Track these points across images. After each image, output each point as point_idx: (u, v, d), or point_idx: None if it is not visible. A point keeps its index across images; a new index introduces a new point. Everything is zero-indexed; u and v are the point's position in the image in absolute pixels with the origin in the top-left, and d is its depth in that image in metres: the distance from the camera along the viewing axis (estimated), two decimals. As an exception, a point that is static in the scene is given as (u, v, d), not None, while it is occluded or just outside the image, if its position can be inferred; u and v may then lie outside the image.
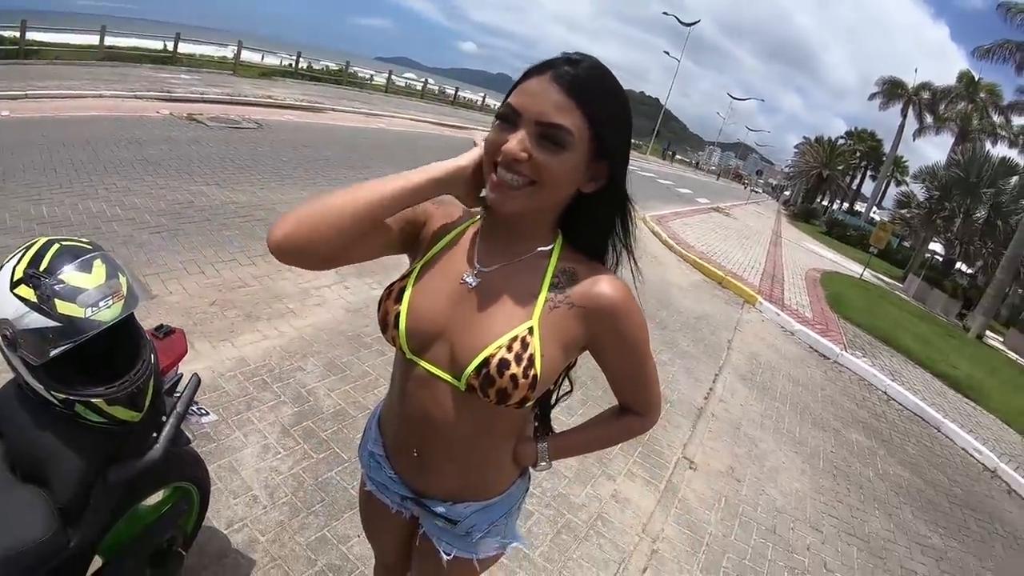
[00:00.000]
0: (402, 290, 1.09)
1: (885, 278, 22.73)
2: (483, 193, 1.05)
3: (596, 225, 1.10)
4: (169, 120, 9.99)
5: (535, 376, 0.99)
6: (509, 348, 0.99)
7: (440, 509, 1.21)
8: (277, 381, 3.46)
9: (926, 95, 37.79)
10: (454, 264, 1.11)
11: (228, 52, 20.59)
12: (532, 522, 2.93)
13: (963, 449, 6.15)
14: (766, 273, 11.55)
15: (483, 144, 1.02)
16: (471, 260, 1.10)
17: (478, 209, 1.14)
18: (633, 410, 1.25)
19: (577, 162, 0.97)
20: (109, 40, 16.23)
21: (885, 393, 7.00)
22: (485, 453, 1.18)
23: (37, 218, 4.86)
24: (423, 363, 1.07)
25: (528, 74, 0.97)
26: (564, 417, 3.01)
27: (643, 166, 31.61)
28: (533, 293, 1.05)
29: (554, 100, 0.92)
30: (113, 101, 10.48)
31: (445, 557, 1.26)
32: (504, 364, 0.98)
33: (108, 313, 1.25)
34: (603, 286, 1.04)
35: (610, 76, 0.98)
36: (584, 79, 0.94)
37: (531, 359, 0.99)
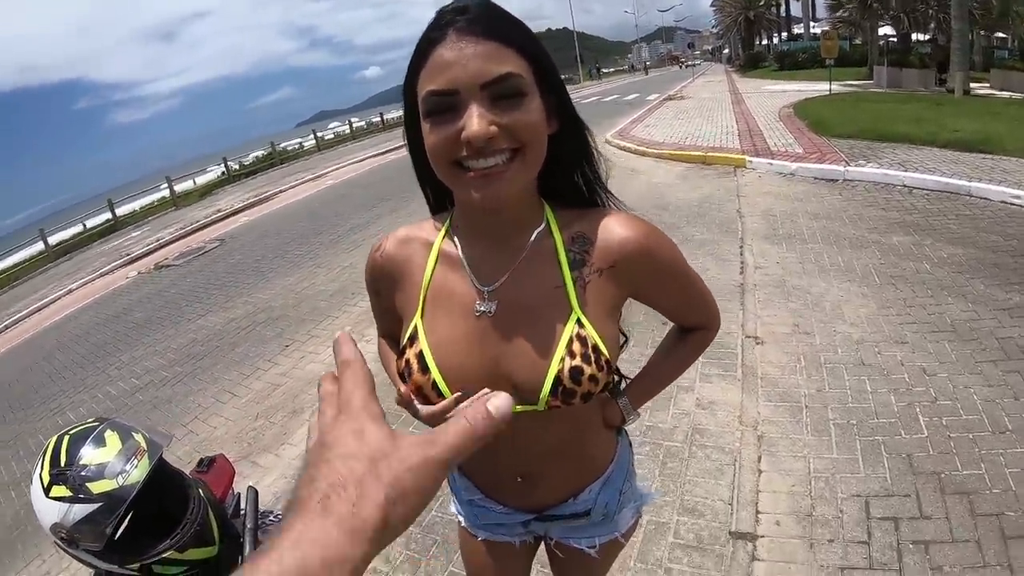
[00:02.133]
0: (420, 356, 0.95)
1: (854, 82, 22.30)
2: (460, 210, 0.97)
3: (572, 167, 0.99)
4: (140, 279, 10.07)
5: (607, 361, 0.92)
6: (571, 353, 0.90)
7: (567, 510, 1.14)
8: (346, 458, 3.46)
9: None
10: (456, 298, 0.97)
11: (163, 192, 20.65)
12: (635, 461, 2.91)
13: (1001, 202, 5.99)
14: (742, 132, 11.36)
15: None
16: (471, 285, 0.96)
17: (441, 224, 1.02)
18: (694, 327, 1.18)
19: (538, 104, 0.84)
20: (52, 239, 16.40)
21: (904, 185, 6.86)
22: (583, 441, 1.10)
23: (65, 425, 4.89)
24: None
25: (425, 50, 0.82)
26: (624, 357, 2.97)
27: (584, 95, 31.26)
28: (557, 283, 0.94)
29: (481, 52, 0.78)
30: (83, 289, 10.60)
31: (592, 551, 1.21)
32: (577, 371, 0.89)
33: (138, 472, 1.27)
34: (618, 231, 0.94)
35: (498, 5, 0.85)
36: (489, 17, 0.81)
37: (596, 349, 0.90)
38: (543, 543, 1.30)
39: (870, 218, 5.98)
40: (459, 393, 0.92)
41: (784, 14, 54.87)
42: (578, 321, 0.91)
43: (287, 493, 3.19)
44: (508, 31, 0.82)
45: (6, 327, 9.60)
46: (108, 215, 18.46)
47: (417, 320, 0.98)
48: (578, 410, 0.96)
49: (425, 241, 1.03)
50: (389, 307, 1.08)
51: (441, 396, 0.94)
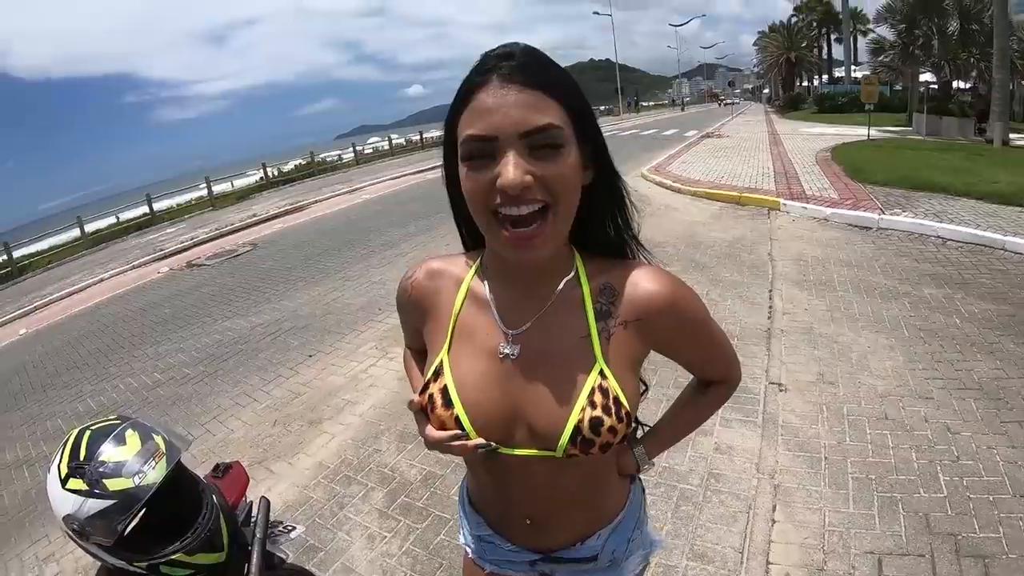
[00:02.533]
0: (444, 390, 0.97)
1: (892, 128, 22.08)
2: (492, 253, 0.98)
3: (604, 217, 0.99)
4: (171, 275, 10.26)
5: (627, 414, 0.92)
6: (592, 404, 0.90)
7: (575, 554, 1.14)
8: (359, 472, 3.48)
9: (853, -65, 36.90)
10: (481, 338, 0.98)
11: (201, 191, 21.08)
12: (648, 505, 2.88)
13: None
14: (778, 174, 11.30)
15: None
16: (497, 326, 0.98)
17: (473, 262, 1.04)
18: (715, 380, 1.19)
19: (575, 156, 0.84)
20: (89, 227, 16.77)
21: (939, 237, 6.76)
22: (595, 488, 1.10)
23: (86, 413, 5.01)
24: (506, 451, 0.96)
25: (467, 94, 0.83)
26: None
27: (623, 127, 31.37)
28: (583, 333, 0.94)
29: (523, 101, 0.79)
30: (115, 280, 10.81)
31: None
32: (597, 422, 0.90)
33: (155, 474, 1.28)
34: (646, 286, 0.95)
35: (544, 54, 0.86)
36: (531, 65, 0.82)
37: (617, 401, 0.91)
38: None
39: (902, 268, 5.90)
40: (479, 440, 0.94)
41: (826, 57, 54.81)
42: (601, 372, 0.92)
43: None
44: (551, 81, 0.83)
45: (36, 308, 9.83)
46: (145, 209, 18.87)
47: (444, 355, 0.99)
48: (593, 459, 0.96)
49: (456, 277, 1.04)
50: (416, 330, 1.11)
51: (463, 430, 0.95)
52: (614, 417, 0.90)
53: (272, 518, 1.74)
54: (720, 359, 1.14)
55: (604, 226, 1.00)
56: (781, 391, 3.81)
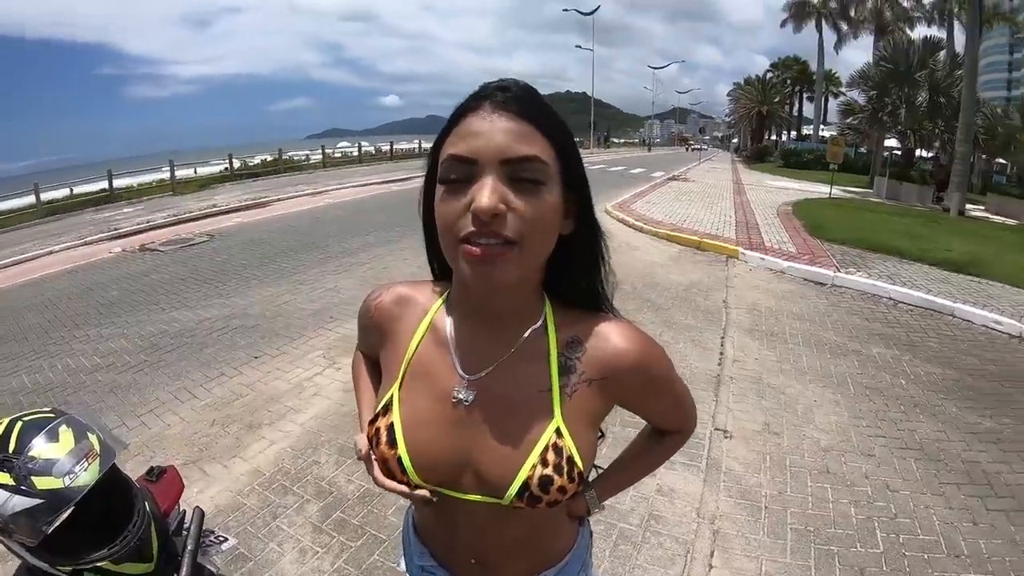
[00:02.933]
0: (390, 428, 0.93)
1: (854, 189, 22.88)
2: (458, 287, 0.93)
3: (580, 271, 0.95)
4: (123, 257, 9.94)
5: (580, 473, 0.89)
6: (544, 462, 0.87)
7: None
8: (295, 482, 3.38)
9: (834, 4, 38.34)
10: (435, 378, 0.94)
11: (164, 174, 20.59)
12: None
13: (983, 326, 6.12)
14: (739, 223, 11.57)
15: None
16: (453, 369, 0.93)
17: (440, 294, 0.99)
18: (671, 430, 1.17)
19: (556, 198, 0.81)
20: (45, 196, 16.23)
21: (890, 299, 6.98)
22: (544, 531, 1.06)
23: (20, 390, 4.79)
24: (451, 493, 0.93)
25: (458, 116, 0.81)
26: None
27: (592, 161, 31.75)
28: (544, 386, 0.91)
29: (511, 129, 0.76)
30: (65, 253, 10.44)
31: None
32: (546, 481, 0.86)
33: (87, 476, 1.22)
34: (615, 343, 0.92)
35: (538, 92, 0.84)
36: (527, 100, 0.80)
37: (570, 461, 0.88)
38: None
39: (853, 326, 6.06)
40: (423, 493, 0.92)
41: (796, 114, 56.55)
42: (557, 430, 0.89)
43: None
44: (543, 117, 0.80)
45: (-20, 274, 9.42)
46: (105, 184, 18.32)
47: (395, 391, 0.95)
48: (545, 512, 0.92)
49: (422, 307, 1.00)
50: (373, 347, 1.08)
51: (404, 473, 0.91)
52: (565, 477, 0.88)
53: (205, 525, 1.68)
54: (680, 413, 1.13)
55: (579, 278, 0.96)
56: (726, 438, 3.84)
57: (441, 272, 1.03)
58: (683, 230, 10.60)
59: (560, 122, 0.84)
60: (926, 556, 2.80)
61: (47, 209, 15.84)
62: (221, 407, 4.32)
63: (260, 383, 4.69)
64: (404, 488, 0.92)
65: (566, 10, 54.39)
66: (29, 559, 1.24)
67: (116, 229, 12.12)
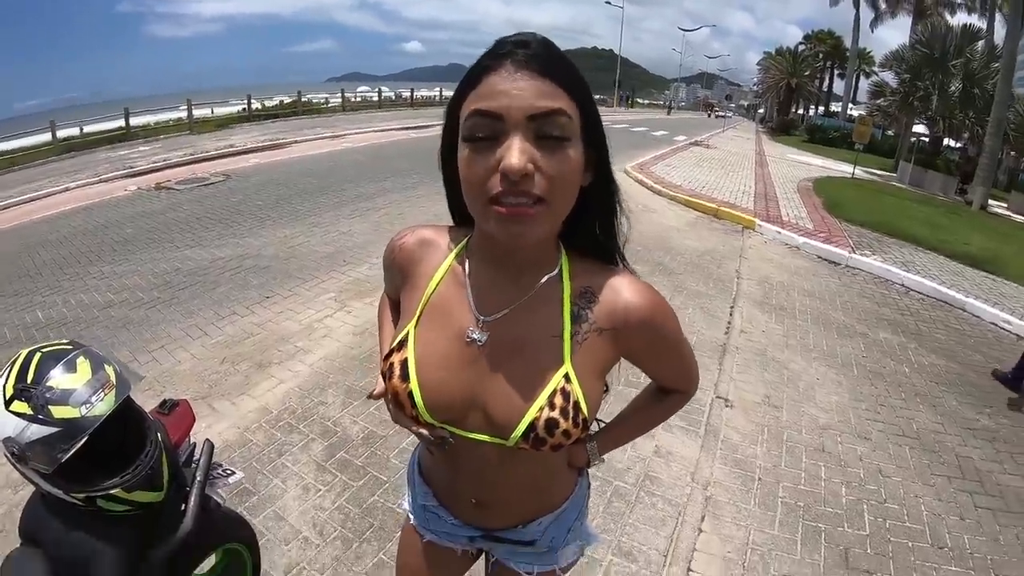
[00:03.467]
0: (404, 363, 0.96)
1: (877, 171, 22.53)
2: (480, 235, 0.96)
3: (595, 226, 0.99)
4: (139, 195, 9.97)
5: (584, 420, 0.92)
6: (551, 405, 0.90)
7: (515, 536, 1.16)
8: (302, 421, 3.46)
9: (874, -20, 37.26)
10: (451, 318, 0.97)
11: (181, 114, 20.49)
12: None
13: (992, 324, 6.08)
14: (758, 195, 11.45)
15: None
16: (469, 310, 0.96)
17: (461, 239, 1.02)
18: (675, 390, 1.21)
19: (579, 154, 0.82)
20: (61, 133, 16.21)
21: (903, 285, 6.94)
22: (544, 477, 1.12)
23: (34, 324, 4.87)
24: (458, 431, 0.97)
25: (479, 74, 0.81)
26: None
27: (614, 118, 31.34)
28: (556, 332, 0.94)
29: (535, 87, 0.77)
30: (80, 191, 10.47)
31: None
32: (552, 423, 0.89)
33: (103, 406, 1.26)
34: (627, 297, 0.94)
35: (559, 48, 0.84)
36: (548, 56, 0.80)
37: (576, 406, 0.91)
38: (484, 556, 1.32)
39: (863, 309, 6.05)
40: (442, 434, 0.98)
41: (826, 89, 55.40)
42: (566, 376, 0.92)
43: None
44: (564, 73, 0.81)
45: (-5, 208, 9.49)
46: (122, 122, 18.27)
47: (411, 327, 0.99)
48: (547, 456, 0.97)
49: (443, 250, 1.03)
50: (396, 288, 1.12)
51: (414, 407, 0.95)
52: (571, 421, 0.90)
53: (213, 459, 1.74)
54: (684, 373, 1.16)
55: (593, 228, 1.00)
56: (727, 407, 3.88)
57: (462, 219, 1.05)
58: (701, 196, 10.51)
59: (580, 77, 0.85)
60: (910, 544, 2.85)
61: (63, 146, 15.81)
62: (232, 345, 4.39)
63: (271, 323, 4.77)
64: (424, 430, 0.98)
65: (597, -36, 52.90)
66: (44, 486, 1.29)
67: (132, 167, 12.12)
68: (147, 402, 1.60)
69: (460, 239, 1.03)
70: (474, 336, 0.95)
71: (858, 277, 7.17)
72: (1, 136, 16.87)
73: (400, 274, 1.07)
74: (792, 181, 14.31)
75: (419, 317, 0.99)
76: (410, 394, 0.95)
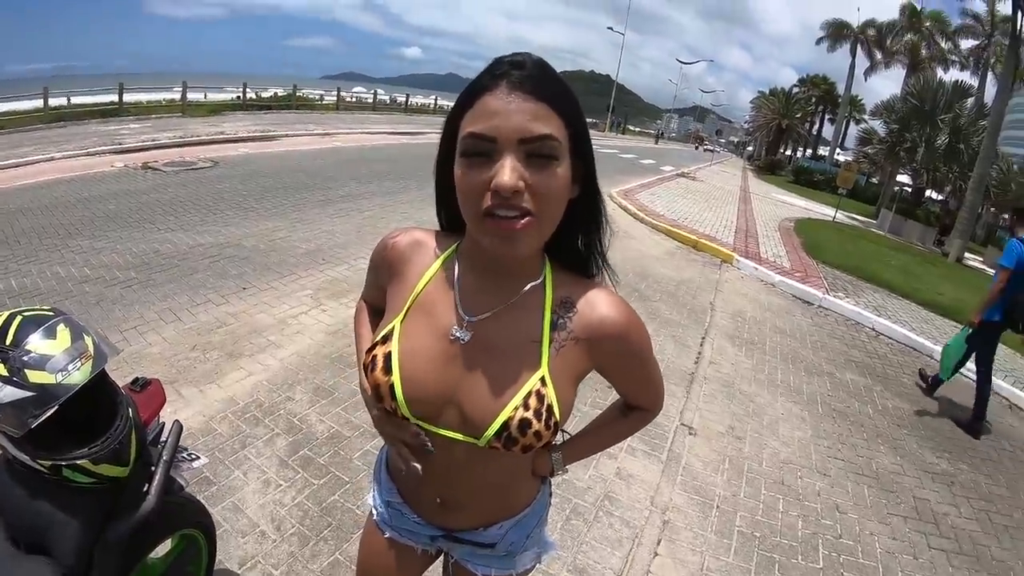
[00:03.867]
0: (387, 356, 1.00)
1: (858, 216, 23.00)
2: (470, 241, 1.00)
3: (578, 236, 1.05)
4: (124, 172, 9.86)
5: (556, 423, 0.97)
6: (526, 406, 0.94)
7: (475, 537, 1.20)
8: (268, 415, 3.45)
9: (872, 32, 38.12)
10: (437, 316, 1.02)
11: (175, 95, 20.34)
12: (542, 512, 2.94)
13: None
14: (739, 230, 11.64)
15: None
16: (455, 310, 1.01)
17: (452, 244, 1.07)
18: (639, 407, 1.25)
19: (567, 170, 0.88)
20: (53, 101, 16.00)
21: (873, 329, 7.08)
22: (509, 481, 1.16)
23: (7, 292, 4.80)
24: (432, 428, 1.01)
25: (475, 94, 0.87)
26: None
27: (604, 143, 31.60)
28: (535, 337, 0.99)
29: (527, 109, 0.82)
30: (66, 162, 10.32)
31: None
32: (525, 423, 0.94)
33: (78, 375, 1.26)
34: (603, 310, 1.00)
35: (552, 68, 0.90)
36: (540, 78, 0.86)
37: (550, 409, 0.96)
38: (442, 556, 1.34)
39: (832, 349, 6.16)
40: (425, 440, 1.02)
41: (815, 133, 56.39)
42: (542, 379, 0.97)
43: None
44: (556, 94, 0.86)
45: (-23, 173, 9.33)
46: (115, 97, 18.07)
47: (397, 322, 1.03)
48: (515, 460, 1.02)
49: (434, 252, 1.08)
50: (380, 288, 1.14)
51: (394, 400, 0.99)
52: (543, 423, 0.95)
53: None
54: (651, 391, 1.21)
55: (577, 239, 1.05)
56: (691, 434, 3.94)
57: (448, 224, 1.11)
58: (682, 227, 10.66)
59: (570, 96, 0.90)
60: (863, 579, 2.91)
61: (53, 115, 15.60)
62: (204, 333, 4.36)
63: (245, 314, 4.74)
64: (407, 436, 1.03)
65: (602, -12, 53.44)
66: (11, 450, 1.28)
67: (120, 144, 11.99)
68: (117, 380, 1.60)
69: (449, 244, 1.08)
70: (457, 334, 0.99)
71: (830, 318, 7.30)
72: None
73: (389, 271, 1.11)
74: (774, 220, 14.54)
75: (406, 313, 1.04)
76: (391, 387, 0.99)
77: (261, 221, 7.49)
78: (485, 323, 1.00)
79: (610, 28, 57.07)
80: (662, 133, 68.63)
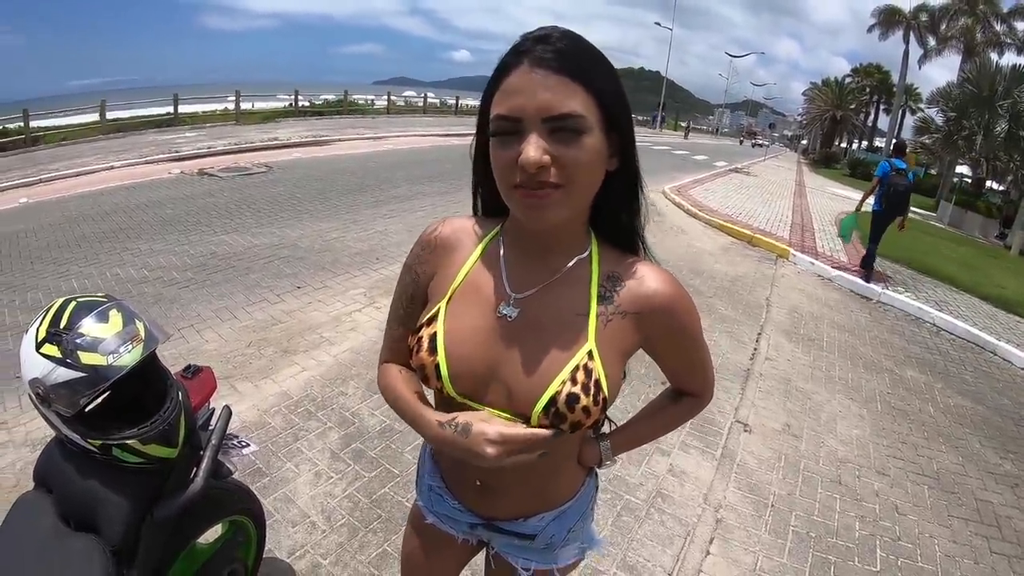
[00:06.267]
0: (432, 337, 0.99)
1: (917, 209, 22.15)
2: (512, 220, 1.01)
3: (620, 210, 1.02)
4: (181, 178, 10.20)
5: (605, 399, 0.94)
6: (574, 380, 0.93)
7: (514, 528, 1.16)
8: (321, 409, 3.51)
9: (924, 17, 36.65)
10: (484, 295, 1.01)
11: (229, 105, 20.94)
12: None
13: (1022, 369, 5.95)
14: (795, 225, 11.35)
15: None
16: (502, 287, 1.01)
17: (494, 227, 1.07)
18: (689, 393, 1.22)
19: (597, 141, 0.86)
20: (111, 114, 16.66)
21: (934, 325, 6.82)
22: (553, 468, 1.12)
23: (68, 292, 4.96)
24: (479, 407, 0.98)
25: (502, 72, 0.87)
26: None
27: (656, 140, 31.30)
28: (582, 311, 0.98)
29: (550, 86, 0.81)
30: (125, 170, 10.73)
31: (526, 573, 1.22)
32: (573, 398, 0.92)
33: (129, 357, 1.30)
34: (651, 283, 0.99)
35: (583, 39, 0.87)
36: (566, 52, 0.83)
37: (598, 384, 0.93)
38: (484, 550, 1.32)
39: (891, 345, 5.95)
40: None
41: (870, 124, 54.72)
42: (589, 353, 0.95)
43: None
44: (582, 67, 0.84)
45: (41, 180, 9.76)
46: (170, 108, 18.72)
47: (442, 304, 1.02)
48: (560, 443, 0.97)
49: (476, 236, 1.07)
50: (420, 289, 1.10)
51: (440, 379, 0.98)
52: (591, 398, 0.92)
53: (230, 430, 1.77)
54: (699, 374, 1.17)
55: (617, 214, 1.03)
56: (745, 431, 3.85)
57: (483, 207, 1.11)
58: (737, 222, 10.43)
59: (601, 67, 0.88)
60: (922, 583, 2.80)
61: (112, 126, 16.26)
62: (259, 330, 4.47)
63: (300, 312, 4.84)
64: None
65: (648, -17, 53.07)
66: (63, 429, 1.33)
67: (177, 151, 12.39)
68: (171, 369, 1.64)
69: (492, 226, 1.07)
70: (505, 312, 0.99)
71: (889, 313, 7.06)
72: (53, 111, 17.42)
73: (433, 260, 1.09)
74: (830, 213, 14.14)
75: (452, 295, 1.03)
76: (436, 366, 0.98)
77: (315, 222, 7.64)
78: (532, 299, 0.99)
79: (657, 23, 56.49)
80: (687, 126, 65.96)
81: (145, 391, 1.47)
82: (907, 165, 7.95)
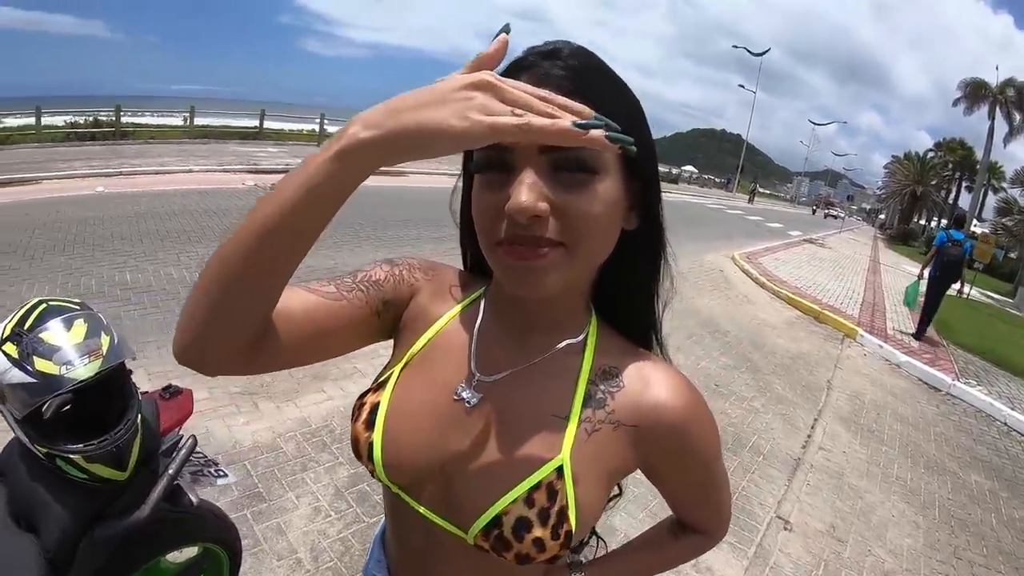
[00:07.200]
0: (374, 408, 0.77)
1: (994, 295, 21.10)
2: (496, 284, 0.79)
3: (635, 284, 0.80)
4: (254, 190, 10.48)
5: (568, 532, 0.69)
6: (529, 501, 0.68)
7: None
8: (336, 443, 3.39)
9: (1011, 92, 35.31)
10: (445, 368, 0.79)
11: (313, 125, 21.68)
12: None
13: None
14: (865, 303, 10.87)
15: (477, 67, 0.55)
16: (468, 363, 0.78)
17: (479, 288, 0.85)
18: (696, 529, 0.96)
19: (614, 187, 0.65)
20: (199, 120, 17.48)
21: (1005, 424, 6.27)
22: None
23: (120, 284, 5.10)
24: (413, 503, 0.76)
25: None
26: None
27: (730, 204, 30.88)
28: (562, 412, 0.73)
29: None
30: (202, 175, 11.12)
31: None
32: (523, 525, 0.68)
33: (84, 371, 1.29)
34: (659, 391, 0.74)
35: (602, 60, 0.68)
36: (579, 69, 0.64)
37: (562, 513, 0.69)
38: None
39: (957, 444, 5.49)
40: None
41: (951, 201, 52.72)
42: (559, 469, 0.70)
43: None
44: (597, 89, 0.64)
45: (121, 173, 10.20)
46: (256, 122, 19.48)
47: (397, 370, 0.81)
48: (513, 570, 0.75)
49: (458, 295, 0.86)
50: (381, 306, 0.83)
51: (371, 462, 0.76)
52: (548, 530, 0.68)
53: (210, 455, 1.77)
54: (712, 506, 0.92)
55: (630, 289, 0.81)
56: (785, 529, 3.52)
57: (471, 264, 0.90)
58: (805, 296, 10.05)
59: (622, 94, 0.69)
60: None
61: (198, 132, 17.05)
62: (294, 351, 4.42)
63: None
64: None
65: (736, 47, 53.40)
66: (15, 429, 1.32)
67: (256, 164, 12.80)
68: (152, 387, 1.58)
69: (477, 287, 0.86)
70: (463, 395, 0.76)
71: (958, 407, 6.54)
72: (145, 110, 18.51)
73: (413, 292, 0.87)
74: (903, 294, 13.51)
75: (409, 360, 0.81)
76: (370, 445, 0.75)
77: (374, 250, 7.68)
78: (500, 386, 0.76)
79: (741, 86, 56.50)
80: (753, 191, 63.11)
81: (105, 407, 1.42)
82: (963, 236, 8.61)
